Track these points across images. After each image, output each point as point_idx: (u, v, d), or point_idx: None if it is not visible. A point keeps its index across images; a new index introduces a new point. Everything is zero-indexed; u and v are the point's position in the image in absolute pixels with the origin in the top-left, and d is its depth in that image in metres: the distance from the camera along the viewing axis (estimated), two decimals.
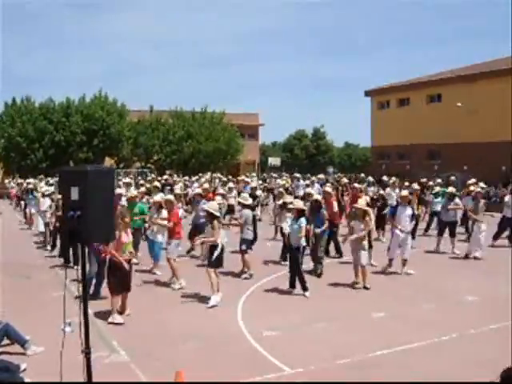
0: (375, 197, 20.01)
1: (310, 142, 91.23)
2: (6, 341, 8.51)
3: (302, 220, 12.26)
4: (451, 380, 7.30)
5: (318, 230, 13.81)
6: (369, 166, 66.33)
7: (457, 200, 18.21)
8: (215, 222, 11.32)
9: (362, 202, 13.32)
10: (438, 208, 19.30)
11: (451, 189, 18.76)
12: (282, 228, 15.60)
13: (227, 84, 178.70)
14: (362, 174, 36.89)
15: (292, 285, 12.30)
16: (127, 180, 29.99)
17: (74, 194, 4.83)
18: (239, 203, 15.01)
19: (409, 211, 14.47)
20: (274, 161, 70.58)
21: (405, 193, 15.49)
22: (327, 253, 15.89)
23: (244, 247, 13.91)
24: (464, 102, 47.19)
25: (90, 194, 4.85)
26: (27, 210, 24.45)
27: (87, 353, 5.01)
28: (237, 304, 11.13)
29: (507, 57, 49.76)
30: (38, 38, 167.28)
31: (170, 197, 14.36)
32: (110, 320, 9.97)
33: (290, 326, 9.89)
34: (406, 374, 7.49)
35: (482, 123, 46.20)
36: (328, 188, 17.57)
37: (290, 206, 14.12)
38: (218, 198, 16.32)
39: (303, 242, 12.20)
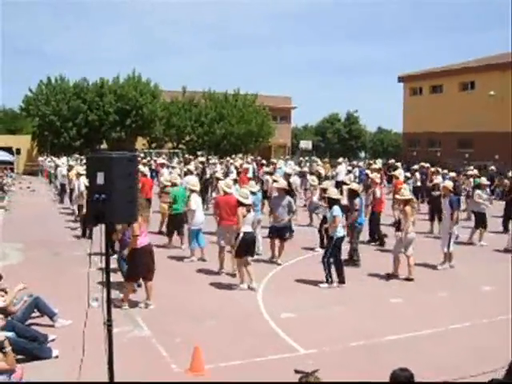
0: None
1: (342, 126, 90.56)
2: (36, 313, 9.00)
3: (335, 209, 11.65)
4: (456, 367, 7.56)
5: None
6: (400, 152, 65.88)
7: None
8: (239, 209, 11.32)
9: (405, 192, 12.73)
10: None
11: (483, 179, 18.46)
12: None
13: (260, 66, 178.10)
14: (392, 160, 36.26)
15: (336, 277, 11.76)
16: (162, 161, 30.11)
17: (100, 178, 5.18)
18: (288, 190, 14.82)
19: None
20: (305, 144, 70.14)
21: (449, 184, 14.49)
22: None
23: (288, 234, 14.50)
24: (497, 91, 46.61)
25: (115, 179, 5.19)
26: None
27: (109, 325, 5.37)
28: (259, 285, 11.38)
29: None
30: (68, 17, 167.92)
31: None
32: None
33: (307, 308, 10.19)
34: (414, 358, 7.65)
35: None
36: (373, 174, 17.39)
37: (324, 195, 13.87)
38: (252, 183, 15.48)
39: (339, 233, 11.57)
